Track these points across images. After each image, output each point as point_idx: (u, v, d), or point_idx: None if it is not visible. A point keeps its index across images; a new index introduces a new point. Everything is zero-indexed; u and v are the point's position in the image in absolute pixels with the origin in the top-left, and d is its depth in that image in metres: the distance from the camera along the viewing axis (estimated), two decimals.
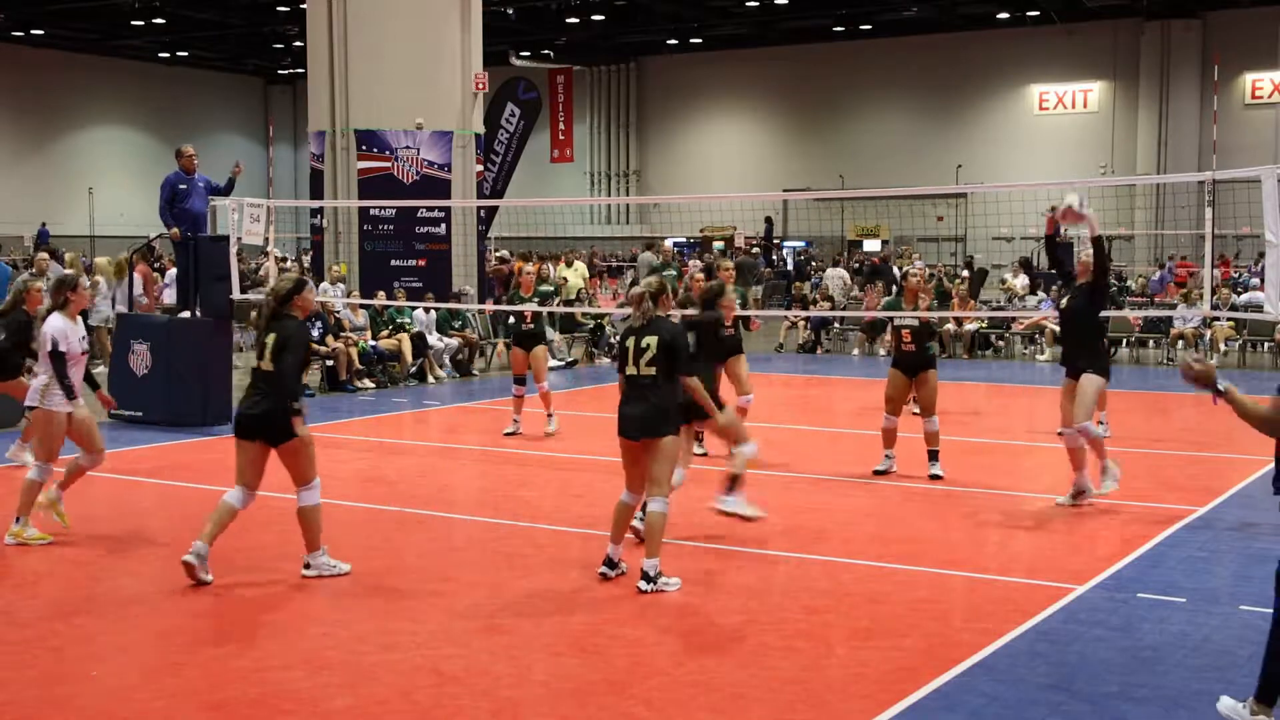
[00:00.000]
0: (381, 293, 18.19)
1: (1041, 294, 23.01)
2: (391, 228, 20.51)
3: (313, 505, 7.48)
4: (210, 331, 13.64)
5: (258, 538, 8.51)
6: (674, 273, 21.86)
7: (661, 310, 7.39)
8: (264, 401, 7.32)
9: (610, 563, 7.41)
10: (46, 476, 8.37)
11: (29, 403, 8.54)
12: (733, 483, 8.26)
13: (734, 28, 41.65)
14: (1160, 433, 12.42)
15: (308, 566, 7.53)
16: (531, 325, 12.89)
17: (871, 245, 40.09)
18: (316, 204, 21.14)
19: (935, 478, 10.31)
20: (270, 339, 7.38)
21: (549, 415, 12.77)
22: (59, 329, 8.32)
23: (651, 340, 7.20)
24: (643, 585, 7.13)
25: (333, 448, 12.42)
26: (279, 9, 37.25)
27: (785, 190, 38.31)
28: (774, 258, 33.62)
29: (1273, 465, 4.99)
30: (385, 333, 17.64)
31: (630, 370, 7.27)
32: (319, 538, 7.51)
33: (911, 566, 7.70)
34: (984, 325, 21.92)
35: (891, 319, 10.79)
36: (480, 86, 21.29)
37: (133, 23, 39.34)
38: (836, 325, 23.57)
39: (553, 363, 19.68)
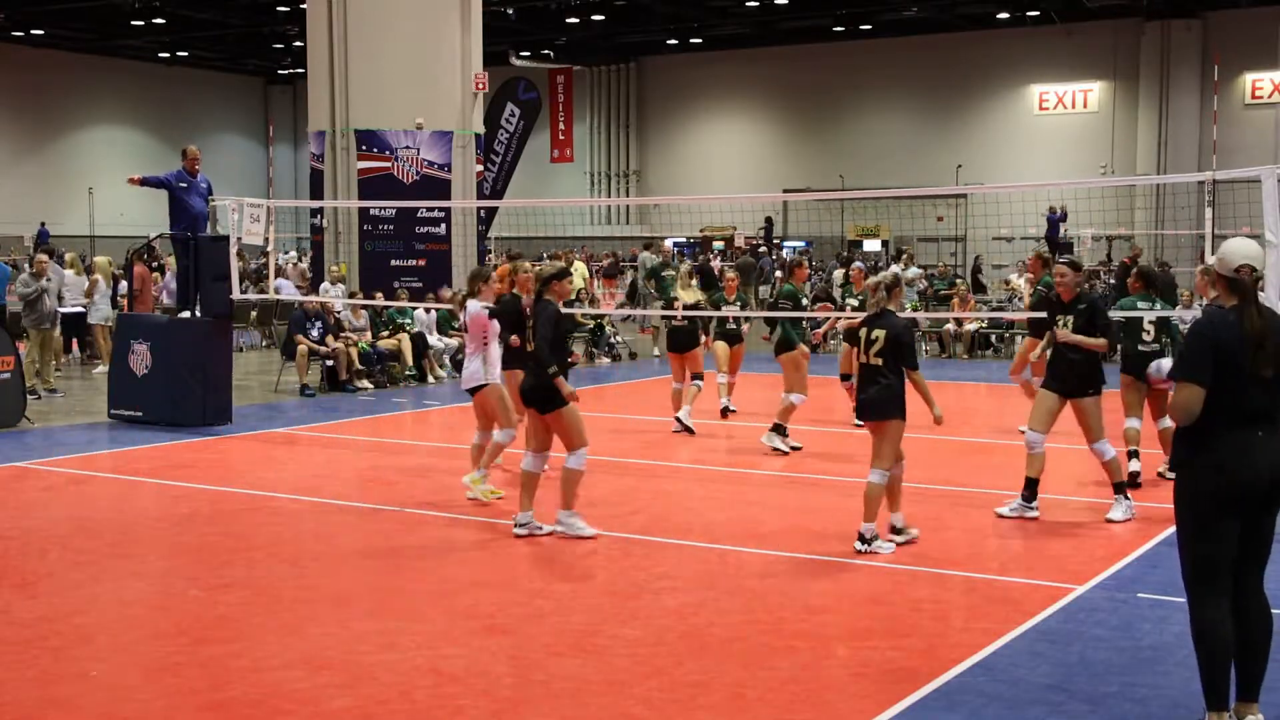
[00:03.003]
0: (379, 293, 18.17)
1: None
2: (391, 228, 20.50)
3: (573, 469, 8.26)
4: (210, 331, 13.64)
5: (254, 538, 8.52)
6: (673, 272, 21.88)
7: (893, 304, 8.15)
8: (529, 377, 8.27)
9: (894, 529, 8.13)
10: (510, 440, 9.48)
11: (476, 383, 9.38)
12: None
13: (734, 28, 41.59)
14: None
15: (558, 523, 8.30)
16: (684, 323, 13.23)
17: (872, 245, 40.08)
18: (316, 204, 21.14)
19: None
20: (530, 324, 8.31)
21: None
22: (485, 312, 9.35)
23: (880, 333, 7.94)
24: (858, 545, 7.90)
25: (333, 448, 12.43)
26: (279, 9, 37.20)
27: (785, 190, 38.26)
28: (774, 258, 33.58)
29: None
30: (385, 334, 17.64)
31: (863, 359, 8.06)
32: (573, 499, 8.32)
33: (911, 566, 7.70)
34: (984, 325, 21.94)
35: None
36: (480, 86, 21.28)
37: (133, 23, 39.28)
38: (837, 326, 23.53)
39: None
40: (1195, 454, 4.93)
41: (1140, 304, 10.38)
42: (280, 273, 23.03)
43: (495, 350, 9.58)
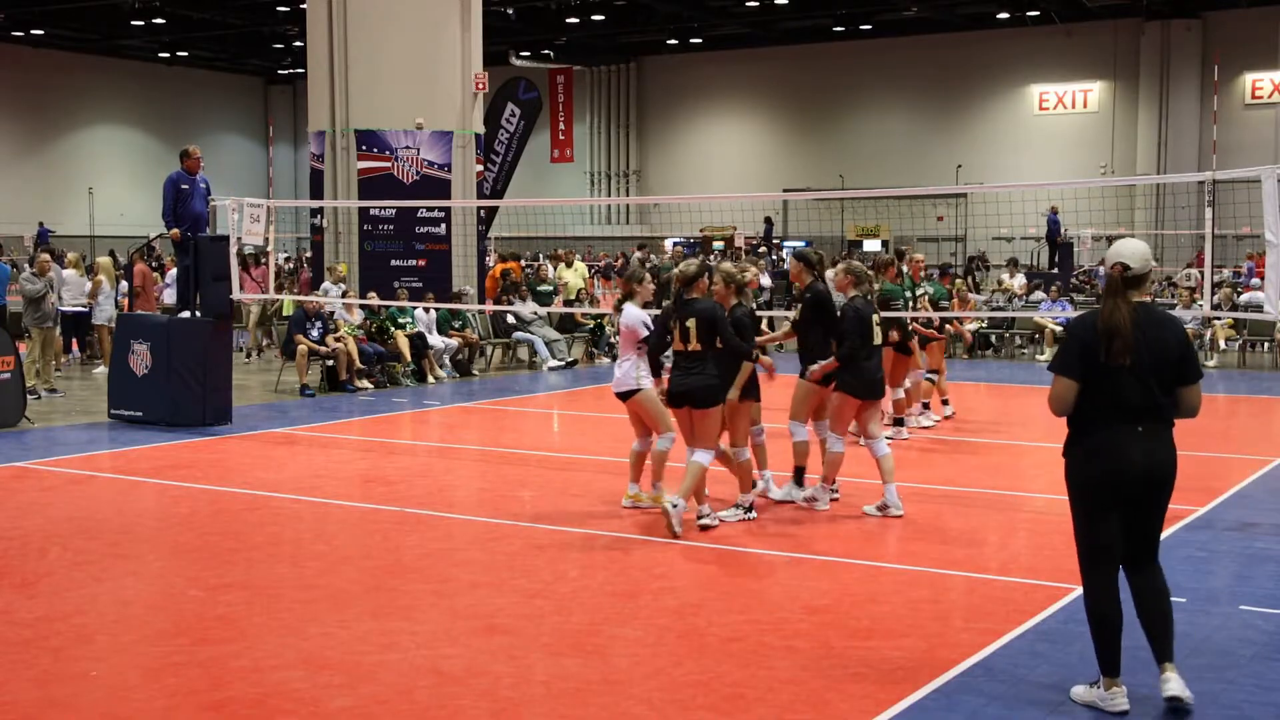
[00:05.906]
0: (374, 294, 18.12)
1: (1041, 293, 23.02)
2: (391, 228, 20.51)
3: (745, 460, 8.86)
4: (210, 331, 13.63)
5: (254, 538, 8.52)
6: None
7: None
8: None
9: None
10: (671, 445, 9.06)
11: (629, 388, 9.01)
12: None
13: (734, 28, 41.61)
14: None
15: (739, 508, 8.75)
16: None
17: (872, 245, 40.09)
18: (316, 204, 21.14)
19: None
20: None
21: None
22: (640, 317, 9.05)
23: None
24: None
25: (333, 448, 12.43)
26: (279, 9, 37.22)
27: (785, 190, 38.27)
28: (774, 258, 33.59)
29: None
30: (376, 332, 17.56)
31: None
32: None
33: (911, 566, 7.70)
34: (984, 325, 21.94)
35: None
36: (480, 86, 21.28)
37: (133, 23, 39.33)
38: None
39: (553, 363, 19.68)
40: (1075, 442, 5.36)
41: None
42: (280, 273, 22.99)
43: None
